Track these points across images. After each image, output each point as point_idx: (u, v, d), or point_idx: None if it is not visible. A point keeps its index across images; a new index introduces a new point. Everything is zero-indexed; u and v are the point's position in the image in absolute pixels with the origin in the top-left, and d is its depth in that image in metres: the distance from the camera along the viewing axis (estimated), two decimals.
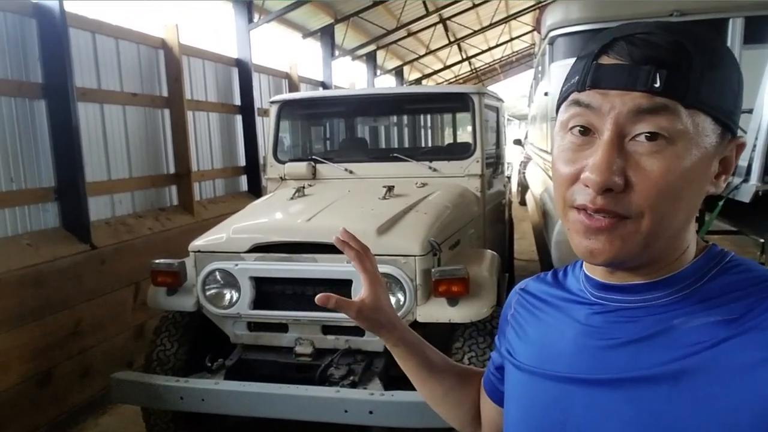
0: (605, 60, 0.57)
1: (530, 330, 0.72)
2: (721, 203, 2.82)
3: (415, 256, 2.50)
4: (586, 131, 0.57)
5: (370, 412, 2.29)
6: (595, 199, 0.55)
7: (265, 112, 6.45)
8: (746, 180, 2.66)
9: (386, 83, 14.24)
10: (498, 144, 4.26)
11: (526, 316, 0.74)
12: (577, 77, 0.58)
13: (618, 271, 0.61)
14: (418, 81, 17.22)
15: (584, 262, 0.68)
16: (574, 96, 0.59)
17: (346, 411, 2.31)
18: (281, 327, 2.70)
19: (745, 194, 2.63)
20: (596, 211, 0.55)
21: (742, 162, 2.78)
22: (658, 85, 0.53)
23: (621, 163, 0.54)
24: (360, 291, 0.85)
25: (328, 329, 2.65)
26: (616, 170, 0.54)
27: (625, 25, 0.58)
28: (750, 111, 2.83)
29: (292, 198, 3.17)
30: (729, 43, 3.30)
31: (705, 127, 0.55)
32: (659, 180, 0.54)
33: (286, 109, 3.90)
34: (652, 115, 0.53)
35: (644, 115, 0.54)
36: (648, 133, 0.54)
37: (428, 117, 6.11)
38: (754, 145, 2.61)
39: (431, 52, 14.94)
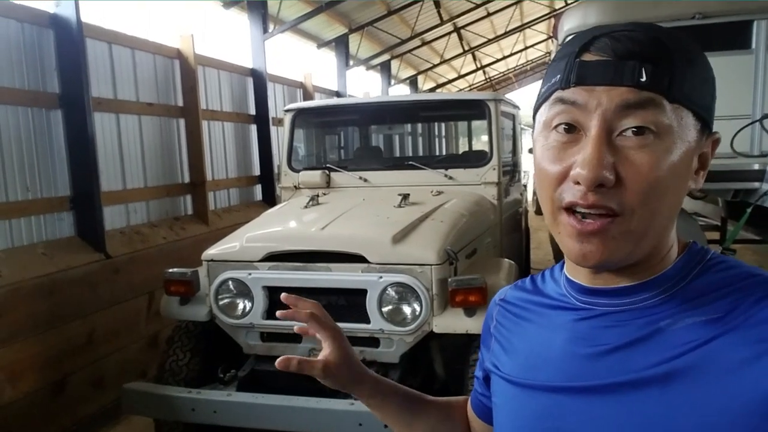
0: (588, 57, 0.56)
1: (515, 341, 0.70)
2: (749, 210, 2.73)
3: (431, 265, 2.44)
4: (571, 128, 0.57)
5: (386, 426, 2.22)
6: (587, 195, 0.54)
7: (279, 122, 6.45)
8: None
9: (400, 93, 14.24)
10: (514, 151, 4.20)
11: (510, 327, 0.72)
12: (559, 75, 0.58)
13: (603, 274, 0.61)
14: (432, 90, 17.20)
15: (565, 266, 0.67)
16: (557, 94, 0.58)
17: (360, 424, 2.25)
18: (295, 337, 2.65)
19: None
20: (588, 207, 0.55)
21: None
22: (644, 79, 0.53)
23: (611, 159, 0.54)
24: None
25: None
26: (606, 165, 0.53)
27: (601, 26, 0.58)
28: None
29: (306, 207, 3.13)
30: (753, 46, 3.21)
31: (688, 122, 0.55)
32: (649, 174, 0.53)
33: (301, 117, 3.88)
34: (639, 110, 0.54)
35: (631, 109, 0.54)
36: (635, 127, 0.54)
37: (443, 125, 6.07)
38: None
39: (445, 61, 14.93)
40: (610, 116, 0.54)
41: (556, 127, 0.58)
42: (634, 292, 0.60)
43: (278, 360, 0.73)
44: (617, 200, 0.54)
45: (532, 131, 0.64)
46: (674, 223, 0.60)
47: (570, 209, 0.57)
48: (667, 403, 0.54)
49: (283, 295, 0.78)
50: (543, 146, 0.60)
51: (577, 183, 0.55)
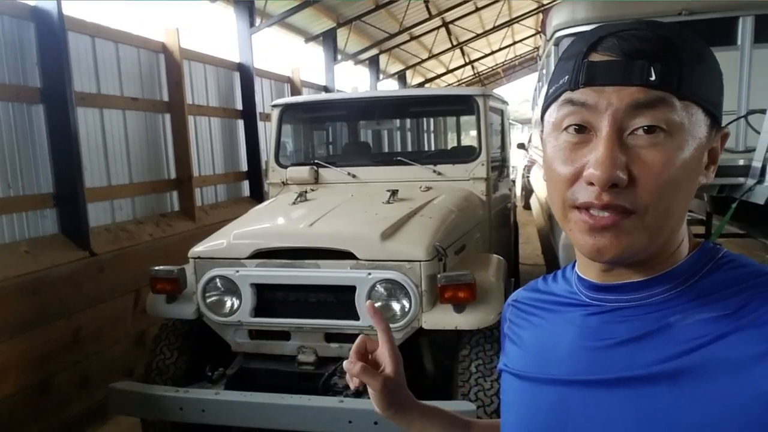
0: (596, 57, 0.56)
1: (526, 336, 0.72)
2: (734, 205, 2.76)
3: (420, 261, 2.43)
4: (581, 129, 0.57)
5: (375, 423, 2.22)
6: (601, 195, 0.54)
7: (267, 117, 6.40)
8: (760, 181, 2.60)
9: (389, 87, 14.21)
10: (503, 147, 4.20)
11: (522, 324, 0.74)
12: (567, 76, 0.58)
13: (614, 270, 0.61)
14: (420, 85, 17.19)
15: (576, 264, 0.68)
16: (566, 95, 0.58)
17: (350, 422, 2.24)
18: (283, 335, 2.64)
19: (760, 196, 2.57)
20: (602, 207, 0.55)
21: (756, 163, 2.72)
22: (653, 78, 0.53)
23: (623, 158, 0.54)
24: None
25: (331, 337, 2.58)
26: (619, 165, 0.54)
27: (607, 25, 0.58)
28: (763, 111, 2.77)
29: (294, 203, 3.11)
30: (739, 42, 3.24)
31: (698, 119, 0.55)
32: (662, 172, 0.54)
33: (289, 112, 3.85)
34: (650, 109, 0.54)
35: (642, 109, 0.54)
36: (646, 126, 0.54)
37: (432, 120, 6.06)
38: None
39: (434, 56, 14.92)
40: (620, 116, 0.55)
41: (566, 128, 0.58)
42: (644, 288, 0.60)
43: (345, 362, 0.78)
44: (631, 199, 0.54)
45: (541, 131, 0.64)
46: (685, 218, 0.60)
47: (582, 207, 0.57)
48: (675, 399, 0.54)
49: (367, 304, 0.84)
50: (553, 147, 0.60)
51: (591, 184, 0.55)
